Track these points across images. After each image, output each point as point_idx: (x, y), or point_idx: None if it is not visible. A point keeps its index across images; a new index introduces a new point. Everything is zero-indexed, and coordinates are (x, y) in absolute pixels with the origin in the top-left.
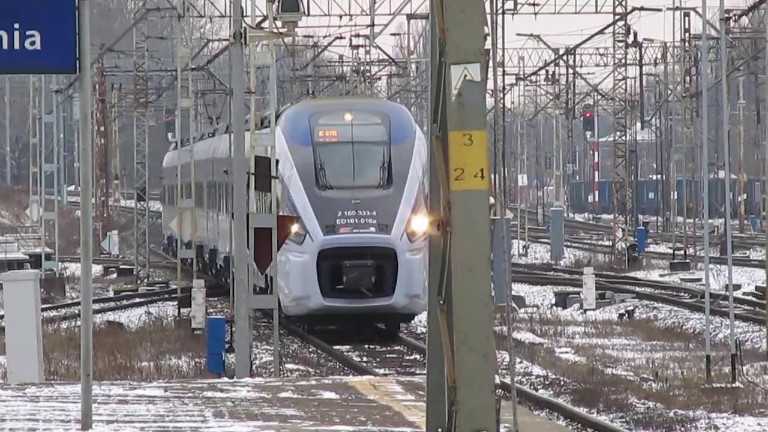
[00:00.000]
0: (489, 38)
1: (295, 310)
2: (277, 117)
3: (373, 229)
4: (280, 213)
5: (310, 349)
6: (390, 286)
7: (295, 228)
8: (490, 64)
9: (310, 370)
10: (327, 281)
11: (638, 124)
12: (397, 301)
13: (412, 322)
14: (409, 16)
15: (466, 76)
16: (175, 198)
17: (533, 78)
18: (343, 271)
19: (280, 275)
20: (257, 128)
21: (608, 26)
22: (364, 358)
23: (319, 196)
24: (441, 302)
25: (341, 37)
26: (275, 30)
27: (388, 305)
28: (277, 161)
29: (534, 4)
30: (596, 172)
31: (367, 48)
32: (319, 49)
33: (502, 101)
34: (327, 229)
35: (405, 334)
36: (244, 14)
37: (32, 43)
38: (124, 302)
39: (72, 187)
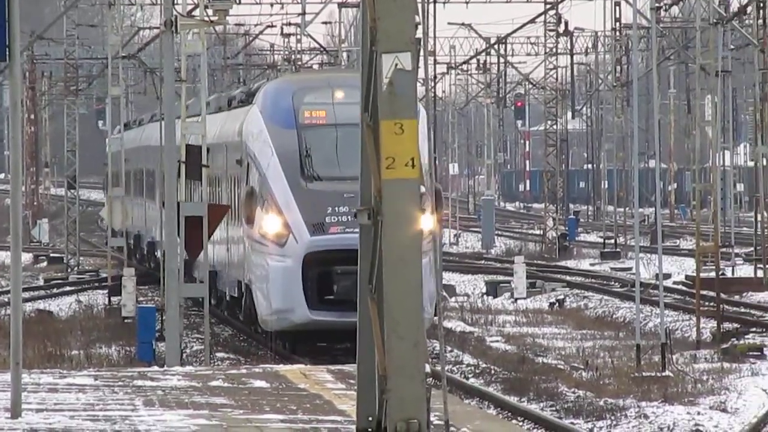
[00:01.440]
0: (420, 27)
1: (276, 325)
2: (253, 94)
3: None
4: (258, 208)
5: (241, 338)
6: None
7: (275, 227)
8: (421, 53)
9: (241, 358)
10: (314, 291)
11: (569, 114)
12: None
13: None
14: (341, 5)
15: (397, 65)
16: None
17: (464, 67)
18: (334, 278)
19: (257, 283)
20: (229, 108)
21: (539, 15)
22: (295, 347)
23: (305, 189)
24: (372, 291)
25: (272, 26)
26: (206, 18)
27: None
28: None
29: None
30: (527, 162)
31: (299, 37)
32: (251, 38)
33: (433, 90)
34: (314, 229)
35: None
36: (175, 2)
37: None
38: (54, 291)
39: (2, 175)
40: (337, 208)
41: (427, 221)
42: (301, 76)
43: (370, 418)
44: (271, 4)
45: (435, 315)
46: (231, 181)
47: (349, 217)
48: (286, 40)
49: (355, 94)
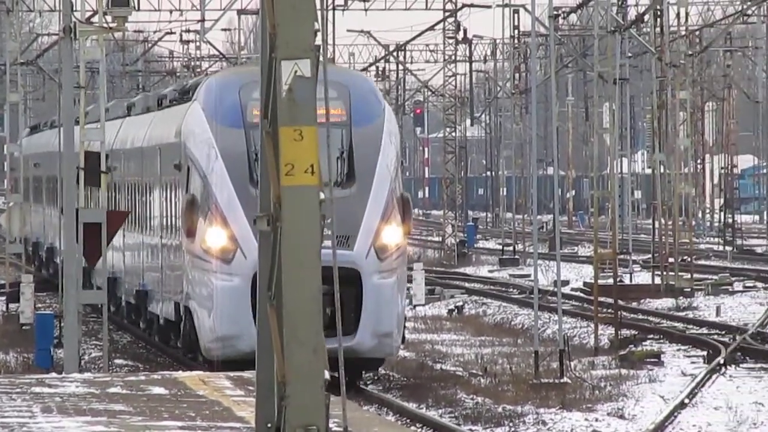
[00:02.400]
0: (319, 34)
1: (221, 354)
2: (189, 91)
3: (327, 242)
4: (200, 219)
5: (140, 345)
6: (351, 322)
7: (220, 240)
8: (321, 59)
9: (140, 365)
10: None
11: (468, 121)
12: (362, 341)
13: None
14: (240, 12)
15: (296, 71)
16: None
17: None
18: None
19: (199, 306)
20: (159, 107)
21: (438, 23)
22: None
23: (255, 197)
24: (271, 298)
25: (172, 32)
26: (105, 25)
27: (349, 348)
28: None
29: (365, 0)
30: (426, 168)
31: (198, 43)
32: (150, 45)
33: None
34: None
35: None
36: (74, 9)
37: None
38: None
39: None
40: None
41: (394, 234)
42: (249, 69)
43: (269, 425)
44: (170, 11)
45: (402, 342)
46: (166, 188)
47: None
48: (186, 46)
49: None
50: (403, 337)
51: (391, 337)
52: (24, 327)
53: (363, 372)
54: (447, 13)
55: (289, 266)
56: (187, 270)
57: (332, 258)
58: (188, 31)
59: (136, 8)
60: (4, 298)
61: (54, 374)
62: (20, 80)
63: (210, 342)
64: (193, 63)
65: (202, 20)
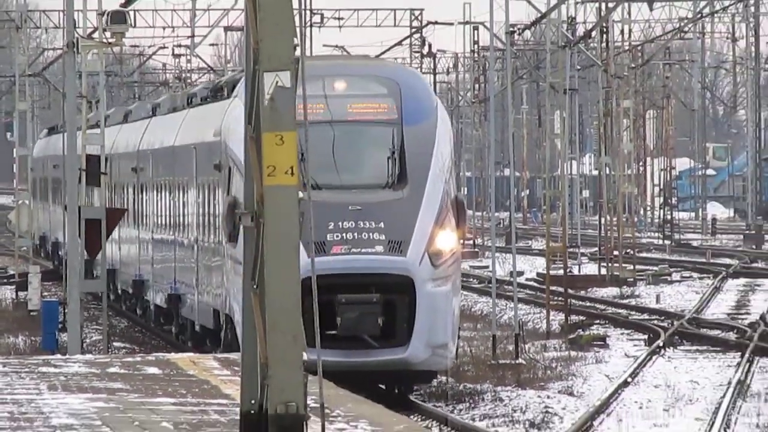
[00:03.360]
0: (298, 48)
1: None
2: (229, 87)
3: (380, 248)
4: (240, 221)
5: (136, 330)
6: (404, 333)
7: None
8: (299, 72)
9: (136, 347)
10: (312, 325)
11: None
12: (415, 353)
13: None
14: (226, 29)
15: (277, 82)
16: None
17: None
18: (337, 309)
19: (244, 314)
20: (190, 105)
21: (406, 38)
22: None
23: (303, 199)
24: (255, 286)
25: (164, 47)
26: (105, 40)
27: (402, 359)
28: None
29: (339, 18)
30: None
31: (188, 57)
32: (145, 58)
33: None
34: (313, 249)
35: None
36: (77, 25)
37: None
38: None
39: None
40: (340, 224)
41: (449, 239)
42: None
43: (253, 401)
44: (164, 28)
45: (455, 354)
46: (203, 189)
47: (355, 234)
48: (177, 60)
49: (360, 85)
50: (457, 349)
51: (445, 349)
52: (32, 313)
53: (414, 386)
54: (413, 30)
55: (272, 258)
56: (230, 276)
57: (371, 265)
58: (179, 45)
59: (133, 25)
60: (13, 287)
61: (59, 356)
62: (28, 90)
63: None
64: (183, 75)
65: (192, 36)
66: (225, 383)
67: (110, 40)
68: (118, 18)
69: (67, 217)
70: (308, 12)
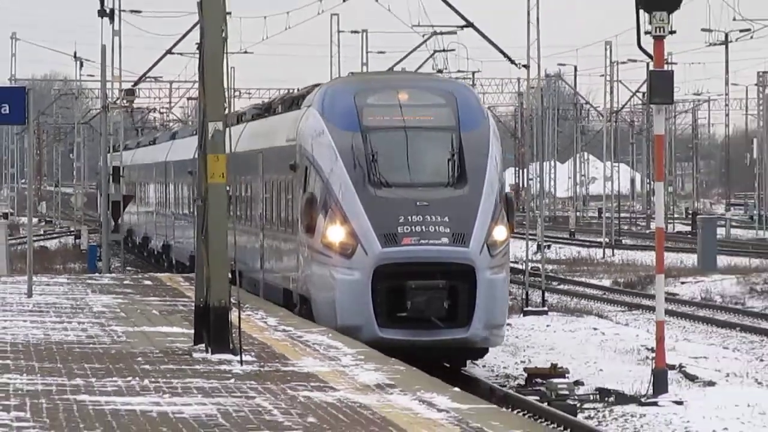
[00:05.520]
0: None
1: None
2: (300, 99)
3: (446, 239)
4: (320, 216)
5: (139, 261)
6: (466, 315)
7: (341, 236)
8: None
9: (138, 270)
10: (385, 307)
11: None
12: (475, 333)
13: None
14: (189, 98)
15: (216, 127)
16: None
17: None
18: (407, 294)
19: (319, 296)
20: (269, 114)
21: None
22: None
23: (373, 196)
24: (204, 239)
25: (155, 109)
26: (123, 103)
27: (464, 339)
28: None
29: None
30: None
31: (168, 114)
32: (145, 113)
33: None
34: (386, 240)
35: None
36: (107, 97)
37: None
38: (48, 236)
39: (23, 181)
40: (410, 218)
41: (503, 231)
42: (360, 78)
43: (201, 300)
44: (157, 98)
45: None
46: (280, 187)
47: (423, 227)
48: (162, 115)
49: (420, 96)
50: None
51: (501, 329)
52: (82, 251)
53: (467, 361)
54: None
55: (212, 227)
56: (307, 263)
57: (438, 254)
58: (164, 106)
59: (138, 96)
60: (74, 237)
61: (96, 274)
62: (82, 132)
63: None
64: (165, 122)
65: (170, 102)
66: (187, 290)
67: (125, 104)
68: (130, 93)
69: (102, 200)
70: (233, 89)
